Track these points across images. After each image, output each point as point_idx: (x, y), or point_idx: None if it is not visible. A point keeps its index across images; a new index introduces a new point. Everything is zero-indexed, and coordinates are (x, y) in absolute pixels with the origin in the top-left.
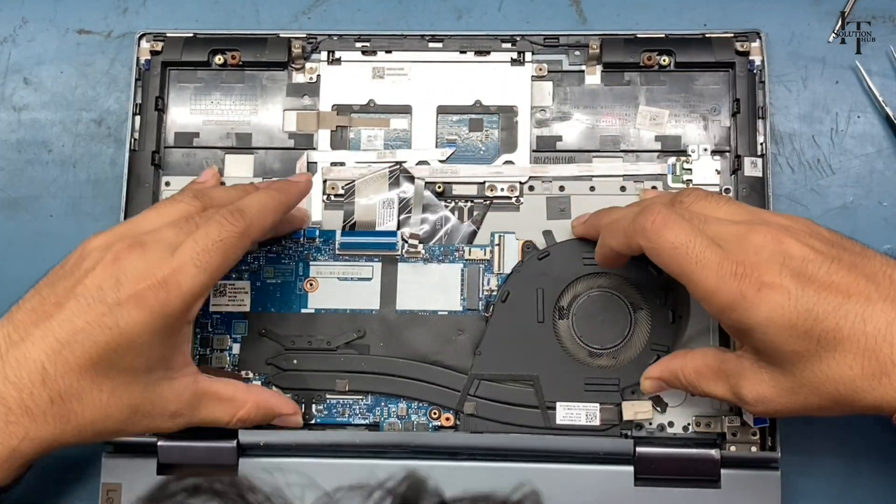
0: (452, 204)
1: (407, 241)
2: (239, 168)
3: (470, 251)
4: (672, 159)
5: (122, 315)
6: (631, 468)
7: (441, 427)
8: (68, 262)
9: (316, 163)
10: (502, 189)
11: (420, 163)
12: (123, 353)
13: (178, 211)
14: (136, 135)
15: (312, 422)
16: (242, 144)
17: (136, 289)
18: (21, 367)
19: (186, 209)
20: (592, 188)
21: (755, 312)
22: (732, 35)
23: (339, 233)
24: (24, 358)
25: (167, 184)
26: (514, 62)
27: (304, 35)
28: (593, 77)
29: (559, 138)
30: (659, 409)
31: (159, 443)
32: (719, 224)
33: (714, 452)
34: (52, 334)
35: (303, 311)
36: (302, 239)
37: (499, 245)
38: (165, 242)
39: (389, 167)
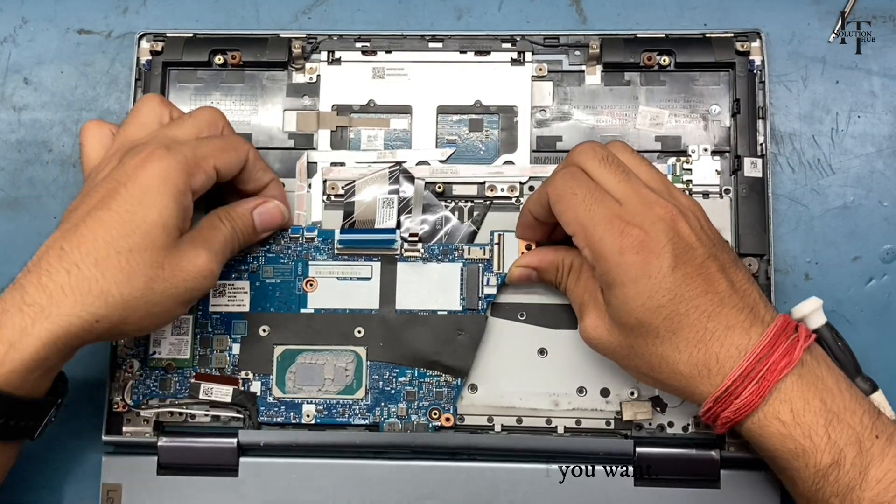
0: (452, 204)
1: (406, 240)
2: None
3: (469, 250)
4: (672, 159)
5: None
6: (631, 468)
7: (441, 427)
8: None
9: (316, 163)
10: (502, 189)
11: (420, 163)
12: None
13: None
14: None
15: (312, 422)
16: None
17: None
18: (42, 257)
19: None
20: None
21: (625, 272)
22: (732, 35)
23: (337, 232)
24: (46, 250)
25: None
26: (514, 62)
27: (304, 35)
28: (593, 77)
29: (559, 138)
30: (659, 409)
31: (160, 442)
32: (632, 181)
33: (714, 453)
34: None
35: (302, 311)
36: (301, 238)
37: (498, 244)
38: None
39: (389, 167)
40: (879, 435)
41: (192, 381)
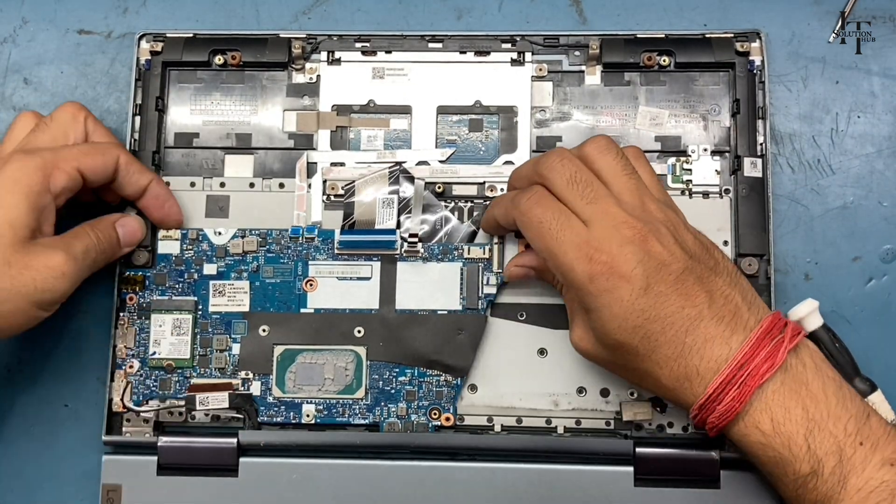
0: (452, 204)
1: (406, 240)
2: (239, 168)
3: (469, 250)
4: (672, 159)
5: None
6: (631, 469)
7: (441, 427)
8: None
9: (316, 163)
10: (502, 189)
11: (420, 163)
12: None
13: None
14: (137, 135)
15: (312, 422)
16: (242, 145)
17: None
18: None
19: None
20: None
21: (596, 298)
22: (732, 35)
23: (337, 232)
24: None
25: (167, 184)
26: (514, 62)
27: (304, 35)
28: (593, 77)
29: (559, 138)
30: (658, 409)
31: (160, 442)
32: (600, 202)
33: (714, 453)
34: None
35: (302, 311)
36: (301, 238)
37: (498, 244)
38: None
39: (389, 167)
40: (864, 441)
41: (188, 393)
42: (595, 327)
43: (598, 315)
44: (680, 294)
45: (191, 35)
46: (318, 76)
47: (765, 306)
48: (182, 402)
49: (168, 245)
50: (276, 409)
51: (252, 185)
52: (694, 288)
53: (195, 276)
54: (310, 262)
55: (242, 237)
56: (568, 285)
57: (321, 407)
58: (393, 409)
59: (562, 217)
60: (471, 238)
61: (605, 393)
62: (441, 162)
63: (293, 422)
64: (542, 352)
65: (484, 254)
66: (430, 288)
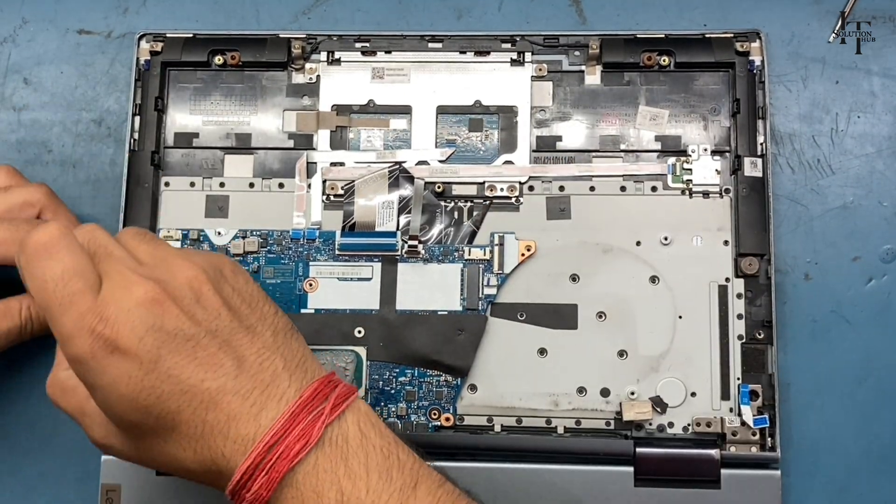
0: (452, 204)
1: (407, 242)
2: (238, 168)
3: (470, 251)
4: (672, 159)
5: None
6: (631, 469)
7: (441, 427)
8: None
9: (315, 163)
10: (502, 189)
11: (420, 163)
12: None
13: None
14: (136, 135)
15: None
16: (242, 145)
17: None
18: None
19: None
20: (592, 188)
21: (99, 376)
22: (732, 35)
23: (338, 233)
24: None
25: (167, 184)
26: (513, 62)
27: (304, 35)
28: (593, 77)
29: (559, 138)
30: (659, 409)
31: None
32: (112, 262)
33: (714, 453)
34: None
35: (302, 311)
36: (302, 239)
37: (499, 245)
38: None
39: (389, 167)
40: None
41: None
42: (105, 409)
43: (103, 395)
44: (200, 364)
45: (190, 35)
46: (318, 76)
47: (316, 370)
48: None
49: None
50: None
51: (252, 185)
52: (219, 355)
53: None
54: (310, 263)
55: (244, 238)
56: (71, 364)
57: None
58: (393, 409)
59: (74, 277)
60: (470, 238)
61: (605, 393)
62: (441, 162)
63: None
64: (542, 352)
65: (484, 255)
66: (430, 288)
